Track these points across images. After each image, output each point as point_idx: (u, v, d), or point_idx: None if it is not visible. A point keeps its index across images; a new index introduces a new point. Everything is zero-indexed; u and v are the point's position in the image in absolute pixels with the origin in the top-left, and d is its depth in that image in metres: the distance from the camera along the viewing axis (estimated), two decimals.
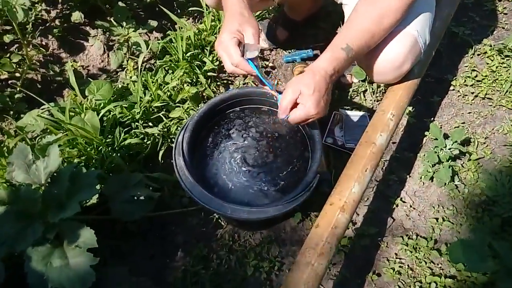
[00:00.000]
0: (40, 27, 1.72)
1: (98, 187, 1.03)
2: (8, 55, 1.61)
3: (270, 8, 1.73)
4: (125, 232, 1.27)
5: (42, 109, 1.34)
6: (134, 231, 1.28)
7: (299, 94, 0.95)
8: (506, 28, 1.77)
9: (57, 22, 1.75)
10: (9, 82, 1.59)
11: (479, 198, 1.31)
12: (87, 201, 1.17)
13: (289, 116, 0.99)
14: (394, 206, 1.34)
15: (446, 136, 1.38)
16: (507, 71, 1.59)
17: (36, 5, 1.51)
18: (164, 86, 1.41)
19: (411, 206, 1.34)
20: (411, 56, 1.12)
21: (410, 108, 1.53)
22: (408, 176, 1.41)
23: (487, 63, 1.64)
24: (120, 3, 1.62)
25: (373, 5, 1.02)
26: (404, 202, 1.35)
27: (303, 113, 0.96)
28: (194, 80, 1.48)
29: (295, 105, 0.98)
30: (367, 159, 1.08)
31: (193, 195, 1.01)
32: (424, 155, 1.39)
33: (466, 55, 1.68)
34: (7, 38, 1.61)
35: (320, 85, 0.94)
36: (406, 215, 1.33)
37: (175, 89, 1.43)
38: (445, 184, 1.35)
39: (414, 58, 1.14)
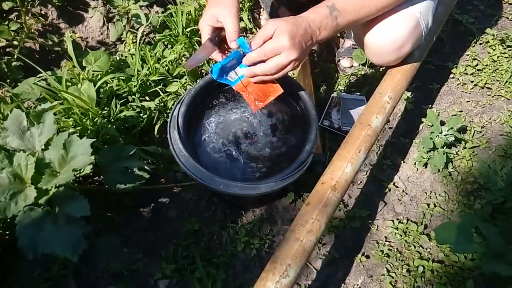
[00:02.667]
0: None
1: (92, 156, 1.03)
2: (6, 22, 1.59)
3: None
4: (119, 204, 1.28)
5: (39, 77, 1.33)
6: (127, 204, 1.28)
7: (277, 28, 0.88)
8: (510, 18, 1.76)
9: None
10: (7, 50, 1.58)
11: (471, 186, 1.32)
12: (81, 170, 1.17)
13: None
14: (387, 190, 1.35)
15: (442, 123, 1.39)
16: (508, 61, 1.59)
17: None
18: (162, 60, 1.40)
19: (403, 191, 1.35)
20: (412, 38, 1.11)
21: (408, 94, 1.53)
22: (402, 161, 1.41)
23: (489, 53, 1.63)
24: None
25: None
26: (397, 187, 1.36)
27: (275, 46, 0.88)
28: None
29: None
30: (361, 140, 1.08)
31: (187, 169, 1.01)
32: (419, 141, 1.40)
33: (468, 43, 1.67)
34: (6, 5, 1.59)
35: (299, 26, 0.90)
36: (398, 199, 1.33)
37: (173, 63, 1.42)
38: (439, 170, 1.35)
39: (415, 40, 1.12)
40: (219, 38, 0.97)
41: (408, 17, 1.08)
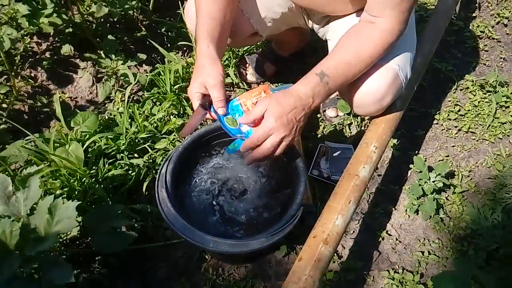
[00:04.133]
0: (30, 59, 1.74)
1: (79, 219, 1.01)
2: None
3: (258, 43, 1.77)
4: (106, 265, 1.24)
5: (27, 140, 1.34)
6: (115, 265, 1.24)
7: (266, 110, 0.95)
8: (488, 64, 1.83)
9: (47, 54, 1.77)
10: None
11: (464, 232, 1.31)
12: (68, 233, 1.14)
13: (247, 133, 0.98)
14: (380, 239, 1.33)
15: (430, 169, 1.40)
16: (489, 105, 1.63)
17: (25, 37, 1.52)
18: (150, 118, 1.42)
19: (397, 239, 1.33)
20: (392, 90, 1.14)
21: (395, 141, 1.55)
22: (393, 208, 1.40)
23: (470, 98, 1.68)
24: (109, 36, 1.64)
25: (353, 39, 1.05)
26: (390, 235, 1.34)
27: (265, 130, 0.94)
28: (181, 112, 1.49)
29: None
30: (350, 191, 1.08)
31: (175, 228, 1.00)
32: (409, 188, 1.40)
33: (449, 90, 1.72)
34: None
35: (286, 104, 0.95)
36: (392, 248, 1.31)
37: (162, 120, 1.44)
38: (431, 217, 1.35)
39: (395, 92, 1.16)
40: (209, 102, 1.01)
41: (387, 70, 1.12)
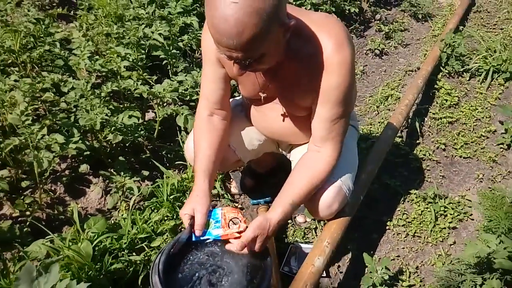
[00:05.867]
0: (52, 176, 2.11)
1: None
2: (22, 197, 1.95)
3: (241, 167, 2.17)
4: None
5: (46, 239, 1.62)
6: None
7: (257, 236, 1.30)
8: (429, 180, 2.21)
9: (66, 172, 2.15)
10: (18, 219, 1.90)
11: None
12: None
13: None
14: None
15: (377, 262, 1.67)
16: (430, 214, 1.97)
17: (54, 158, 1.91)
18: (149, 221, 1.73)
19: None
20: (338, 199, 1.48)
21: (354, 244, 1.84)
22: None
23: (415, 208, 2.02)
24: (120, 158, 2.04)
25: (306, 171, 1.42)
26: None
27: (255, 248, 1.31)
28: (174, 216, 1.81)
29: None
30: (307, 277, 1.36)
31: None
32: (363, 283, 1.66)
33: (398, 201, 2.07)
34: (24, 184, 1.98)
35: (269, 232, 1.32)
36: None
37: (158, 223, 1.75)
38: None
39: (341, 200, 1.50)
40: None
41: (332, 186, 1.47)
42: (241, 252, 1.31)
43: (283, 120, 1.52)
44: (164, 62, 2.46)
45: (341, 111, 1.34)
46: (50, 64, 2.33)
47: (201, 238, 1.36)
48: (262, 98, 1.44)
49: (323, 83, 1.27)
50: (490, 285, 1.39)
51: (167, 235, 1.72)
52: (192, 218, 1.36)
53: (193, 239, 1.36)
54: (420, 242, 1.88)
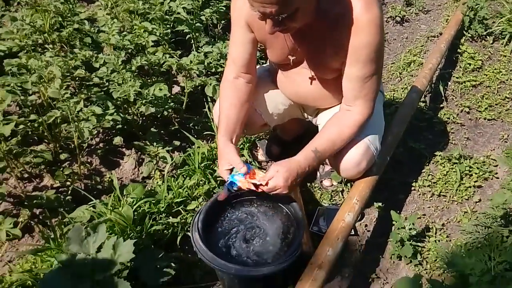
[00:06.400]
0: (87, 149, 2.21)
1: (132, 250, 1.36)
2: (61, 169, 2.06)
3: (267, 131, 2.23)
4: None
5: (89, 204, 1.73)
6: None
7: (277, 171, 1.36)
8: (454, 143, 2.23)
9: (100, 145, 2.25)
10: (60, 189, 2.01)
11: (438, 272, 1.59)
12: (122, 272, 1.47)
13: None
14: (371, 280, 1.62)
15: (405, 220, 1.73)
16: (455, 174, 2.00)
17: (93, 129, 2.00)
18: (183, 186, 1.82)
19: (384, 281, 1.62)
20: (366, 158, 1.54)
21: (380, 204, 1.89)
22: (381, 256, 1.71)
23: (440, 169, 2.06)
24: (152, 129, 2.12)
25: (336, 124, 1.48)
26: (378, 277, 1.63)
27: (274, 183, 1.36)
28: (207, 182, 1.89)
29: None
30: (338, 231, 1.43)
31: (206, 259, 1.33)
32: (392, 239, 1.71)
33: (423, 163, 2.10)
34: (63, 156, 2.09)
35: (291, 170, 1.37)
36: None
37: (192, 188, 1.83)
38: (411, 261, 1.64)
39: (369, 159, 1.55)
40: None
41: (360, 144, 1.52)
42: (272, 193, 1.39)
43: (311, 84, 1.56)
44: (188, 36, 2.51)
45: (372, 69, 1.38)
46: (79, 43, 2.41)
47: (234, 188, 1.44)
48: (291, 61, 1.48)
49: (353, 42, 1.30)
50: None
51: (202, 198, 1.80)
52: (230, 170, 1.44)
53: (232, 189, 1.43)
54: (445, 201, 1.92)
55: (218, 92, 2.09)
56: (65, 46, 2.42)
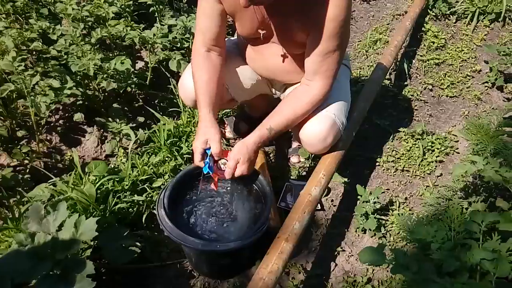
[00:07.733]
0: (46, 126, 2.11)
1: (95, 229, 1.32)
2: (18, 146, 1.96)
3: (234, 108, 2.20)
4: (113, 282, 1.51)
5: (49, 182, 1.66)
6: (119, 281, 1.51)
7: (238, 162, 1.39)
8: (417, 119, 2.29)
9: (60, 122, 2.16)
10: (17, 168, 1.92)
11: (401, 244, 1.64)
12: (84, 251, 1.43)
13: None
14: (336, 253, 1.65)
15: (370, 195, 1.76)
16: (418, 150, 2.05)
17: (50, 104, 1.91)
18: (148, 164, 1.78)
19: (349, 253, 1.65)
20: (332, 132, 1.54)
21: (346, 179, 1.92)
22: (346, 230, 1.74)
23: (403, 145, 2.10)
24: (115, 105, 2.05)
25: (292, 100, 1.48)
26: (344, 250, 1.66)
27: (239, 172, 1.40)
28: (173, 159, 1.85)
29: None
30: (305, 204, 1.44)
31: (172, 235, 1.31)
32: (356, 213, 1.75)
33: (387, 139, 2.14)
34: (20, 133, 1.98)
35: (250, 153, 1.41)
36: (346, 260, 1.63)
37: (157, 165, 1.79)
38: (375, 234, 1.68)
39: (334, 134, 1.55)
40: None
41: (326, 118, 1.52)
42: (233, 177, 1.41)
43: (282, 59, 1.54)
44: (151, 9, 2.41)
45: (335, 45, 1.37)
46: (35, 14, 2.27)
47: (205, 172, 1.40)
48: (261, 35, 1.45)
49: (320, 15, 1.29)
50: (475, 207, 1.48)
51: (168, 175, 1.76)
52: (204, 153, 1.43)
53: (204, 171, 1.42)
54: (408, 175, 1.97)
55: (183, 67, 2.03)
56: (19, 18, 2.27)
